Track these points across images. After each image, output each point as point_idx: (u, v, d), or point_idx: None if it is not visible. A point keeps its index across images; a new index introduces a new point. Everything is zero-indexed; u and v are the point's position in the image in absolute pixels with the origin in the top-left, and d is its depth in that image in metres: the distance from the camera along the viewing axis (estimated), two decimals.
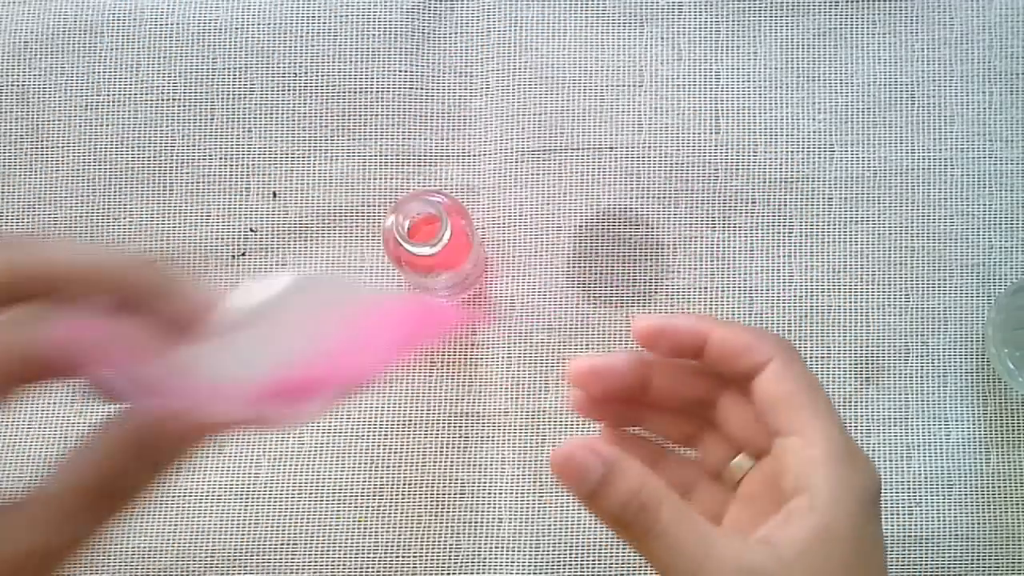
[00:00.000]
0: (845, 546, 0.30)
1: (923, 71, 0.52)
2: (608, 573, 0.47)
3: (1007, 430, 0.48)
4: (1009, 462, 0.48)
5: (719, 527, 0.31)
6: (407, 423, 0.49)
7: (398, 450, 0.49)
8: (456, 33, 0.53)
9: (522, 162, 0.51)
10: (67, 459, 0.25)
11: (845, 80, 0.52)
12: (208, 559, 0.48)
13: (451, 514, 0.48)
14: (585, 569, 0.47)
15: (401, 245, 0.43)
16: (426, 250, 0.43)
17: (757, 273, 0.50)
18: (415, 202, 0.44)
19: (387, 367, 0.27)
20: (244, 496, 0.49)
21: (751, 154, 0.51)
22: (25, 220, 0.52)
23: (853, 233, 0.50)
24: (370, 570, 0.48)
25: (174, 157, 0.52)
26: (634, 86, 0.52)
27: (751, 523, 0.32)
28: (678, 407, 0.35)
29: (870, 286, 0.50)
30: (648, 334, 0.34)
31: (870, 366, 0.49)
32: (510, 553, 0.48)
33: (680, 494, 0.31)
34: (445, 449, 0.49)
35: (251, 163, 0.52)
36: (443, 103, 0.52)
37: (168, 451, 0.25)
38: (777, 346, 0.33)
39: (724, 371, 0.33)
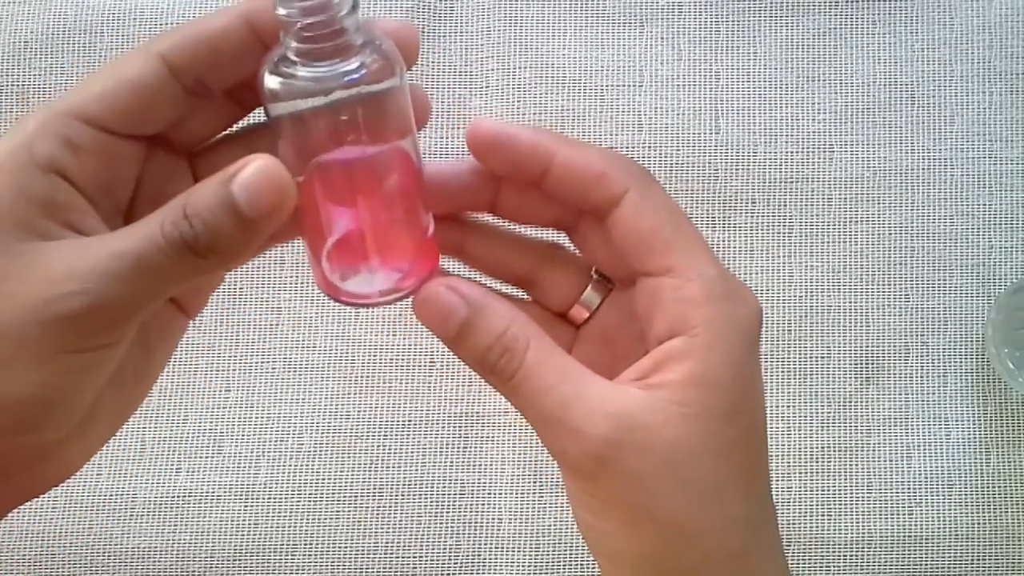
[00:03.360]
0: (727, 393, 0.27)
1: (923, 71, 0.52)
2: None
3: (1007, 430, 0.48)
4: (1009, 462, 0.48)
5: (587, 370, 0.28)
6: (407, 424, 0.49)
7: (398, 451, 0.49)
8: (456, 32, 0.53)
9: None
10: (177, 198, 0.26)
11: (845, 80, 0.52)
12: (208, 560, 0.48)
13: (451, 515, 0.48)
14: (585, 569, 0.47)
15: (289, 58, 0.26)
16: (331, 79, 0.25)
17: (757, 273, 0.50)
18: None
19: None
20: (244, 497, 0.49)
21: (751, 154, 0.51)
22: None
23: (853, 233, 0.50)
24: (370, 571, 0.48)
25: None
26: (634, 86, 0.52)
27: (607, 367, 0.29)
28: (518, 238, 0.32)
29: (870, 286, 0.50)
30: (484, 142, 0.29)
31: (870, 366, 0.49)
32: (510, 554, 0.48)
33: None
34: (445, 450, 0.49)
35: None
36: (443, 102, 0.52)
37: (245, 196, 0.25)
38: (633, 173, 0.29)
39: (572, 201, 0.30)
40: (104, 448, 0.49)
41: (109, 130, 0.27)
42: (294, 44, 0.25)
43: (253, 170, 0.25)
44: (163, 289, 0.26)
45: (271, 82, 0.26)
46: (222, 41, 0.27)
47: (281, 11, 0.25)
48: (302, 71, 0.25)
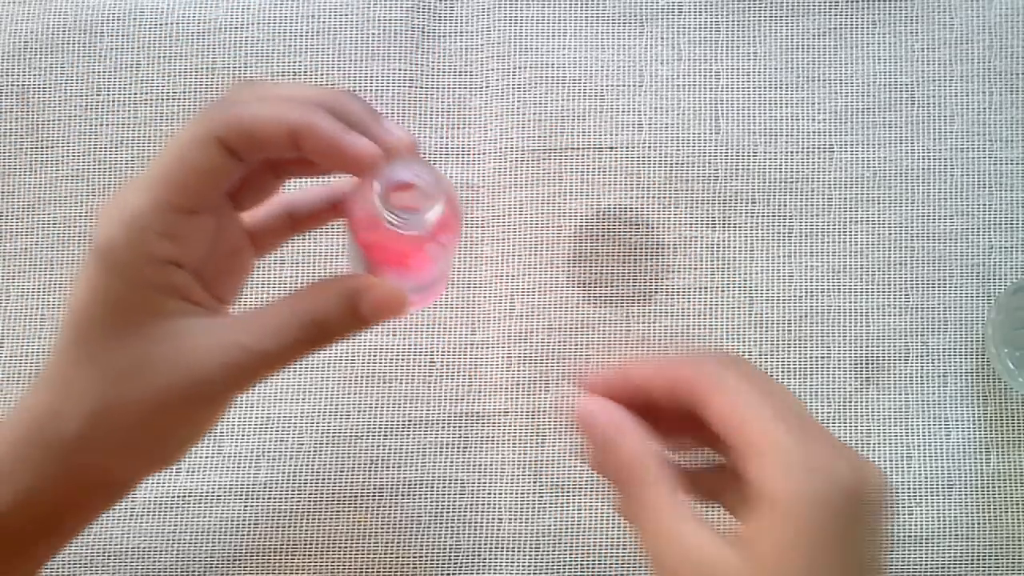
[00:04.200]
0: (804, 557, 0.29)
1: (923, 71, 0.52)
2: (608, 574, 0.47)
3: (1007, 430, 0.48)
4: (1009, 462, 0.48)
5: (693, 519, 0.31)
6: (406, 424, 0.49)
7: (397, 451, 0.49)
8: (456, 32, 0.53)
9: (522, 161, 0.51)
10: (290, 295, 0.33)
11: (845, 80, 0.52)
12: (207, 560, 0.48)
13: (451, 515, 0.48)
14: (585, 570, 0.47)
15: (379, 212, 0.33)
16: (410, 224, 0.33)
17: (757, 273, 0.50)
18: (408, 166, 0.33)
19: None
20: (244, 498, 0.49)
21: (751, 154, 0.51)
22: (25, 220, 0.52)
23: (853, 233, 0.50)
24: (370, 571, 0.48)
25: None
26: (634, 86, 0.52)
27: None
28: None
29: (870, 286, 0.50)
30: (601, 391, 0.33)
31: (870, 366, 0.49)
32: (510, 554, 0.48)
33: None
34: (445, 450, 0.49)
35: None
36: (443, 102, 0.52)
37: (371, 313, 0.34)
38: (717, 370, 0.32)
39: (680, 408, 0.33)
40: None
41: (195, 211, 0.33)
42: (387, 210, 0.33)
43: (383, 295, 0.33)
44: (273, 372, 0.33)
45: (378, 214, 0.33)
46: (269, 137, 0.32)
47: (388, 220, 0.32)
48: (393, 218, 0.33)
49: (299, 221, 0.39)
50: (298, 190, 0.38)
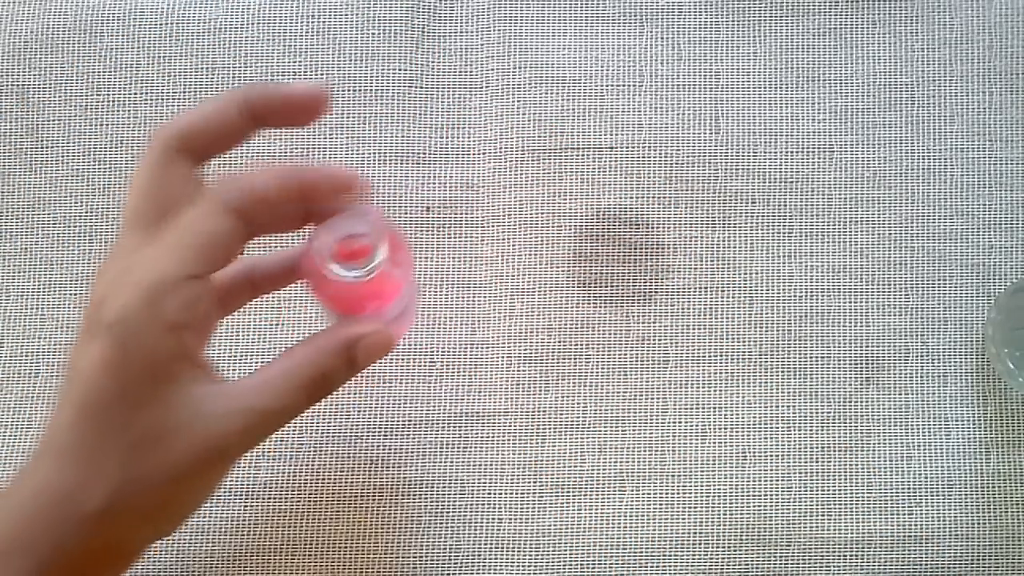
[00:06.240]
0: None
1: (923, 71, 0.52)
2: (608, 574, 0.47)
3: (1007, 430, 0.48)
4: (1009, 462, 0.48)
5: None
6: (406, 424, 0.49)
7: (397, 451, 0.49)
8: (456, 32, 0.53)
9: (521, 161, 0.51)
10: (286, 352, 0.36)
11: (845, 80, 0.52)
12: (207, 560, 0.48)
13: (451, 515, 0.48)
14: (585, 570, 0.47)
15: (325, 269, 0.36)
16: (354, 274, 0.36)
17: (757, 273, 0.50)
18: (346, 219, 0.36)
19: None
20: (244, 498, 0.48)
21: (751, 154, 0.51)
22: (25, 219, 0.52)
23: (853, 233, 0.50)
24: (370, 571, 0.48)
25: None
26: (634, 86, 0.52)
27: None
28: None
29: (870, 286, 0.50)
30: None
31: (870, 366, 0.49)
32: (510, 554, 0.48)
33: None
34: (445, 450, 0.49)
35: (250, 161, 0.52)
36: (442, 102, 0.52)
37: (364, 359, 0.36)
38: None
39: None
40: None
41: (205, 276, 0.34)
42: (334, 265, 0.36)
43: (373, 341, 0.37)
44: (281, 427, 0.36)
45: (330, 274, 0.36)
46: (272, 196, 0.35)
47: (334, 274, 0.35)
48: (339, 271, 0.36)
49: (257, 284, 0.40)
50: (257, 255, 0.39)
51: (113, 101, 0.53)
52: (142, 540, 0.36)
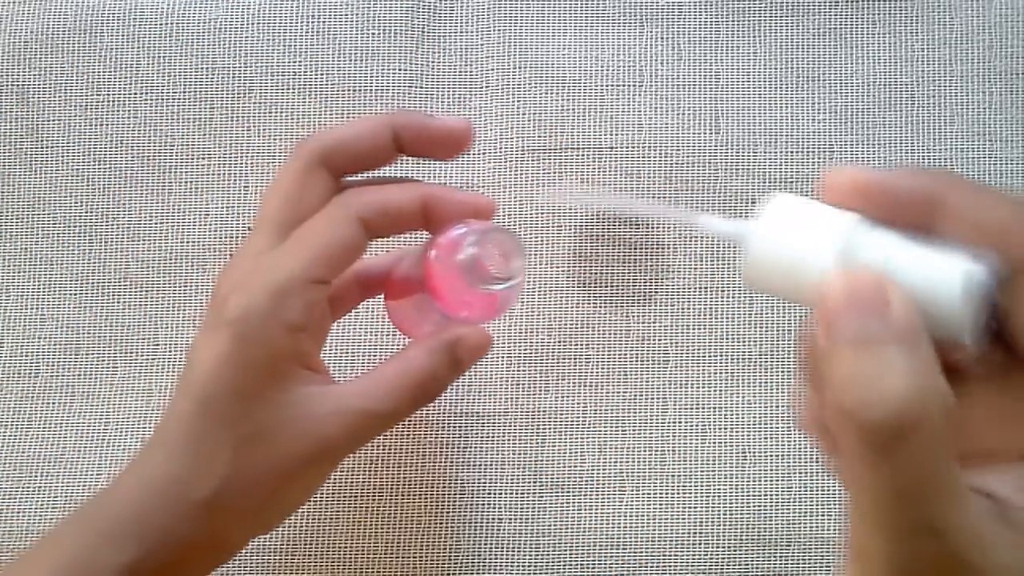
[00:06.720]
0: None
1: (923, 71, 0.52)
2: (608, 574, 0.47)
3: None
4: None
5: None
6: (406, 424, 0.49)
7: (397, 451, 0.49)
8: (456, 32, 0.53)
9: (522, 161, 0.51)
10: (394, 355, 0.37)
11: (845, 80, 0.52)
12: None
13: (451, 515, 0.48)
14: (585, 570, 0.47)
15: (470, 280, 0.36)
16: (501, 286, 0.37)
17: None
18: (486, 232, 0.37)
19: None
20: None
21: (751, 154, 0.51)
22: (25, 219, 0.52)
23: None
24: (370, 571, 0.48)
25: (173, 155, 0.52)
26: (634, 86, 0.52)
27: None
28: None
29: None
30: (862, 191, 0.26)
31: None
32: (510, 554, 0.48)
33: None
34: (444, 450, 0.49)
35: (250, 161, 0.52)
36: (442, 101, 0.52)
37: (468, 359, 0.37)
38: (950, 175, 0.25)
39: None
40: (105, 448, 0.49)
41: (327, 281, 0.35)
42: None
43: (476, 342, 0.38)
44: (386, 431, 0.37)
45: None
46: (402, 211, 0.37)
47: (482, 287, 0.36)
48: (485, 284, 0.37)
49: (367, 287, 0.41)
50: (366, 257, 0.39)
51: (113, 101, 0.53)
52: (242, 535, 0.36)
